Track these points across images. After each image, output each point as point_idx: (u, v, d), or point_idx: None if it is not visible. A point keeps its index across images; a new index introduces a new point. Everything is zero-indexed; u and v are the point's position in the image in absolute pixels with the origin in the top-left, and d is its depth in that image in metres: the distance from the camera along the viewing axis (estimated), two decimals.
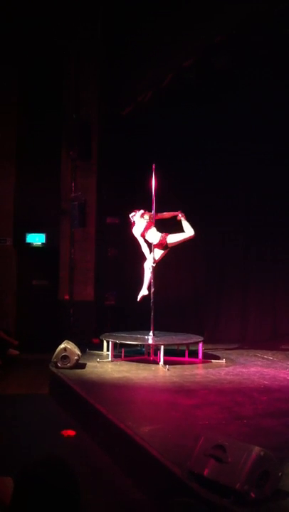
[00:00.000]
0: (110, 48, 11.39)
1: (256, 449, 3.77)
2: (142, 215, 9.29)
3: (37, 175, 11.61)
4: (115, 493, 4.92)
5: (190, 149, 11.66)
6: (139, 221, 9.26)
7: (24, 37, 11.39)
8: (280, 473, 3.84)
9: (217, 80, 10.10)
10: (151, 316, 9.14)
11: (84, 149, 11.25)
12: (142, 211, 9.33)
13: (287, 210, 11.65)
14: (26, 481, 1.71)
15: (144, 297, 9.31)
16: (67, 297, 11.43)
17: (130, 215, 9.40)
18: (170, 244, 9.30)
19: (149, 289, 9.26)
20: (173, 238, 9.31)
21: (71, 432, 6.26)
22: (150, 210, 9.24)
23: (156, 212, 9.27)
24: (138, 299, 9.34)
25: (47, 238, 11.79)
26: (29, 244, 11.80)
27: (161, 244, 9.26)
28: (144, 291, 9.31)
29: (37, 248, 11.84)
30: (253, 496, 3.65)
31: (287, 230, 11.65)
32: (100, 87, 11.60)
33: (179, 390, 7.05)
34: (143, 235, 9.27)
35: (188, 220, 9.47)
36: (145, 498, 4.67)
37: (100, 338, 9.45)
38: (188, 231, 9.33)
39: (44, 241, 11.80)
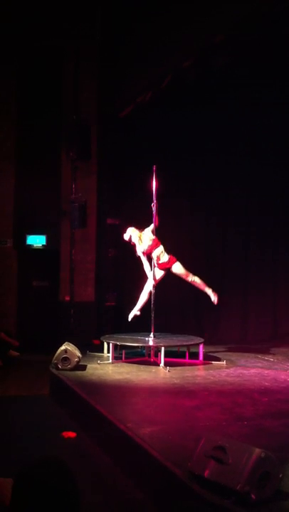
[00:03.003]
0: (109, 48, 11.38)
1: (257, 451, 3.77)
2: (141, 230, 9.14)
3: (37, 176, 11.61)
4: (116, 493, 4.92)
5: (190, 149, 11.66)
6: (143, 239, 9.07)
7: (23, 37, 11.39)
8: (280, 475, 3.84)
9: (216, 80, 10.11)
10: (152, 318, 9.14)
11: (83, 150, 11.24)
12: (132, 229, 9.18)
13: (287, 210, 11.66)
14: (24, 482, 1.71)
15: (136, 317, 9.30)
16: (67, 298, 11.42)
17: (125, 237, 9.22)
18: (173, 271, 9.24)
19: (141, 310, 9.23)
20: (178, 269, 9.21)
21: (72, 434, 6.26)
22: (151, 211, 9.16)
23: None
24: (129, 319, 9.29)
25: (47, 240, 11.79)
26: (29, 246, 11.80)
27: (167, 265, 9.19)
28: (136, 312, 9.26)
29: (37, 250, 11.84)
30: (253, 497, 3.65)
31: (287, 230, 11.65)
32: (99, 87, 11.59)
33: (180, 392, 7.04)
34: (149, 253, 9.16)
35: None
36: (146, 498, 4.67)
37: (101, 339, 9.44)
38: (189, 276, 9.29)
39: (45, 243, 11.80)
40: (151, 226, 9.10)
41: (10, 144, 11.68)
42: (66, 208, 11.40)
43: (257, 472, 3.70)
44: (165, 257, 9.19)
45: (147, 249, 9.10)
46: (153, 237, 9.08)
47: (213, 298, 9.08)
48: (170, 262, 9.20)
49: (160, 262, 9.14)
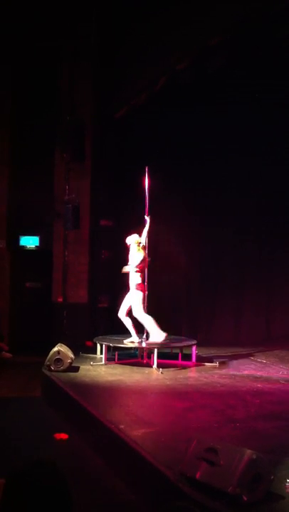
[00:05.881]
0: (105, 49, 11.38)
1: (248, 452, 3.78)
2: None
3: (31, 177, 11.58)
4: (108, 495, 4.92)
5: (186, 151, 11.65)
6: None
7: (19, 38, 11.35)
8: (272, 477, 3.85)
9: (211, 82, 10.12)
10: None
11: (78, 151, 11.21)
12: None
13: (283, 211, 11.68)
14: (16, 482, 1.71)
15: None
16: (60, 299, 11.40)
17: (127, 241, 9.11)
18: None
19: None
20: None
21: (63, 436, 6.26)
22: (144, 213, 9.19)
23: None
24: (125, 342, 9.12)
25: (40, 241, 11.76)
26: (23, 247, 11.77)
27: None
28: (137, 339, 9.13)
29: (30, 251, 11.81)
30: (245, 499, 3.66)
31: (282, 231, 11.66)
32: (95, 88, 11.57)
33: (172, 393, 7.06)
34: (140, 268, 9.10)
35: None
36: (138, 500, 4.67)
37: (94, 341, 9.44)
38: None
39: (38, 244, 11.78)
40: (146, 217, 9.07)
41: (4, 145, 11.65)
42: (60, 210, 11.39)
43: (248, 474, 3.71)
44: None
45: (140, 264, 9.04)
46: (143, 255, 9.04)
47: (138, 340, 9.04)
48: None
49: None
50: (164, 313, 11.59)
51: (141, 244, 9.03)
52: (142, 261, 8.96)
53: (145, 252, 9.06)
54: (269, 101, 10.82)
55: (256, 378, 7.97)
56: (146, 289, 9.09)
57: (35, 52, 11.57)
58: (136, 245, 9.00)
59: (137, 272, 8.94)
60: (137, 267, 8.93)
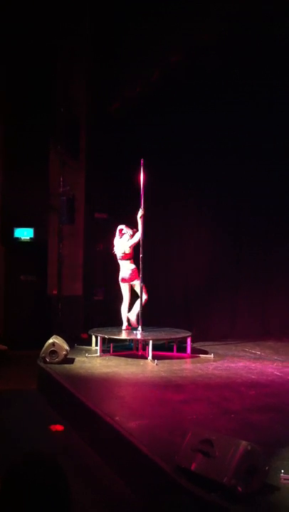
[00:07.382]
0: (99, 45, 11.32)
1: (243, 444, 3.79)
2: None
3: (25, 171, 11.51)
4: (103, 488, 4.93)
5: (181, 148, 11.60)
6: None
7: (13, 34, 11.27)
8: (266, 468, 3.87)
9: (207, 80, 10.08)
10: (139, 311, 9.17)
11: (72, 145, 11.19)
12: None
13: (278, 210, 11.68)
14: (14, 478, 1.69)
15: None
16: (55, 292, 11.39)
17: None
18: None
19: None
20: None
21: (59, 427, 6.27)
22: (139, 206, 9.21)
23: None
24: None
25: (35, 233, 11.73)
26: (17, 239, 11.73)
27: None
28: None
29: (25, 243, 11.78)
30: (240, 490, 3.67)
31: (278, 229, 11.67)
32: (90, 84, 11.54)
33: (168, 385, 7.07)
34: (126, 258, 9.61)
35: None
36: (133, 492, 4.68)
37: (89, 333, 9.45)
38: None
39: (32, 236, 11.74)
40: (140, 210, 9.27)
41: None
42: (54, 203, 11.36)
43: (243, 465, 3.72)
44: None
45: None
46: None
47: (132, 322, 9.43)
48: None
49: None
50: (161, 308, 11.60)
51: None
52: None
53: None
54: (266, 101, 10.79)
55: (251, 370, 8.00)
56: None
57: (30, 48, 11.47)
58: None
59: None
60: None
